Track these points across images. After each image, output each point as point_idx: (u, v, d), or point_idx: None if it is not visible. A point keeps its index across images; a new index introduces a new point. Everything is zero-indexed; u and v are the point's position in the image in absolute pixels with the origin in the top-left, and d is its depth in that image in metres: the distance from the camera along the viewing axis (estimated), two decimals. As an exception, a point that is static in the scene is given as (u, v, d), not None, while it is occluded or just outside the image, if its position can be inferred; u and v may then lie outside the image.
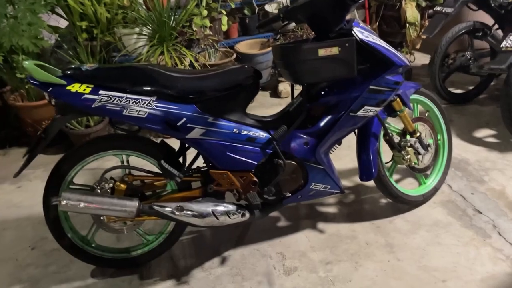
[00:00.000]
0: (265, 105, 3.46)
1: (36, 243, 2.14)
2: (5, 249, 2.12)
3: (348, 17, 1.81)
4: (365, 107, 1.81)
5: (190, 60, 2.99)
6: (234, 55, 3.41)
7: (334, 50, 1.69)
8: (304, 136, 1.85)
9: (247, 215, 1.83)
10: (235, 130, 1.76)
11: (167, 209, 1.72)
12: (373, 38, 1.76)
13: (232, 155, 1.77)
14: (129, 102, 1.60)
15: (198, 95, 1.69)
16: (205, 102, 1.71)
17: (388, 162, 2.12)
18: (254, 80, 1.81)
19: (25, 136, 3.06)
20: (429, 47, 3.75)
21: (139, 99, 1.61)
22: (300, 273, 1.86)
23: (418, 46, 4.08)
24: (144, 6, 3.21)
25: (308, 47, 1.73)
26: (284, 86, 3.57)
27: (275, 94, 3.58)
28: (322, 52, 1.69)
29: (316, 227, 2.11)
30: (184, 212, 1.73)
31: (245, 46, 3.61)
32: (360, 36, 1.73)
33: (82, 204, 1.64)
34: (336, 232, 2.07)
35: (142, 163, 1.80)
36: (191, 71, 1.88)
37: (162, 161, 1.73)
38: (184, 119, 1.67)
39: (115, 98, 1.59)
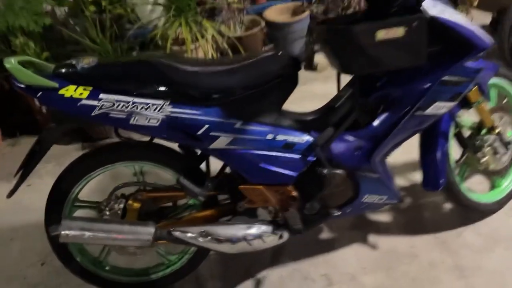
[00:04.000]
0: (298, 80, 3.05)
1: (46, 257, 1.90)
2: (13, 264, 1.90)
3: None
4: (437, 103, 1.42)
5: (213, 34, 2.60)
6: (263, 24, 2.98)
7: (398, 32, 1.30)
8: (355, 140, 1.48)
9: (285, 236, 1.52)
10: (269, 136, 1.41)
11: (189, 235, 1.43)
12: (449, 14, 1.34)
13: (266, 166, 1.43)
14: (137, 108, 1.27)
15: (223, 95, 1.34)
16: (231, 104, 1.35)
17: (459, 161, 1.72)
18: (292, 71, 1.44)
19: (36, 123, 2.79)
20: (489, 4, 3.23)
21: (149, 103, 1.27)
22: (350, 304, 1.55)
23: (475, 3, 3.53)
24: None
25: (363, 29, 1.33)
26: (321, 58, 3.14)
27: (310, 66, 3.16)
28: (381, 34, 1.30)
29: (366, 241, 1.77)
30: (210, 238, 1.43)
31: (275, 12, 3.16)
32: (432, 12, 1.31)
33: (86, 234, 1.36)
34: (392, 249, 1.73)
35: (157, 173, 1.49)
36: (213, 62, 1.51)
37: (181, 178, 1.41)
38: (206, 126, 1.32)
39: (119, 104, 1.26)
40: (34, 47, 2.49)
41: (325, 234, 1.83)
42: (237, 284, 1.68)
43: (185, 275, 1.67)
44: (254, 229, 1.47)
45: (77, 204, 1.52)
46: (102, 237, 1.36)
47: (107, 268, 1.63)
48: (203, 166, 1.52)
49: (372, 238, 1.78)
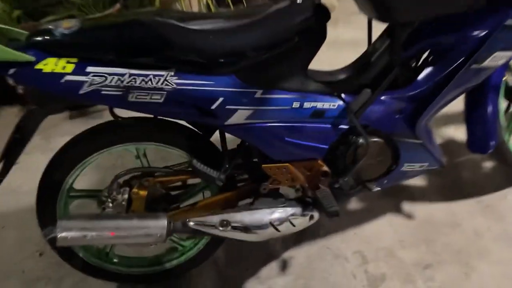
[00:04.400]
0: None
1: (45, 246, 1.70)
2: (8, 256, 1.70)
3: None
4: (497, 53, 1.18)
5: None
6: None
7: (454, -32, 1.04)
8: (395, 101, 1.26)
9: (316, 216, 1.33)
10: (295, 104, 1.18)
11: (208, 225, 1.23)
12: None
13: (293, 140, 1.21)
14: (135, 82, 1.03)
15: (238, 60, 1.09)
16: (249, 69, 1.11)
17: (506, 112, 1.51)
18: (319, 23, 1.18)
19: (15, 92, 2.51)
20: None
21: (149, 75, 1.03)
22: (390, 284, 1.39)
23: None
24: None
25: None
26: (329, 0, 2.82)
27: (315, 9, 2.84)
28: (434, -29, 1.04)
29: (400, 209, 1.60)
30: (232, 227, 1.23)
31: None
32: None
33: (89, 235, 1.15)
34: (430, 217, 1.55)
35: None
36: (220, 16, 1.22)
37: (195, 161, 1.19)
38: (221, 99, 1.09)
39: (113, 77, 1.02)
40: (3, 4, 2.17)
41: (354, 205, 1.65)
42: (261, 268, 1.51)
43: (202, 261, 1.50)
44: (281, 213, 1.27)
45: (73, 194, 1.31)
46: (107, 236, 1.16)
47: (115, 260, 1.45)
48: (216, 140, 1.29)
49: (407, 206, 1.61)
